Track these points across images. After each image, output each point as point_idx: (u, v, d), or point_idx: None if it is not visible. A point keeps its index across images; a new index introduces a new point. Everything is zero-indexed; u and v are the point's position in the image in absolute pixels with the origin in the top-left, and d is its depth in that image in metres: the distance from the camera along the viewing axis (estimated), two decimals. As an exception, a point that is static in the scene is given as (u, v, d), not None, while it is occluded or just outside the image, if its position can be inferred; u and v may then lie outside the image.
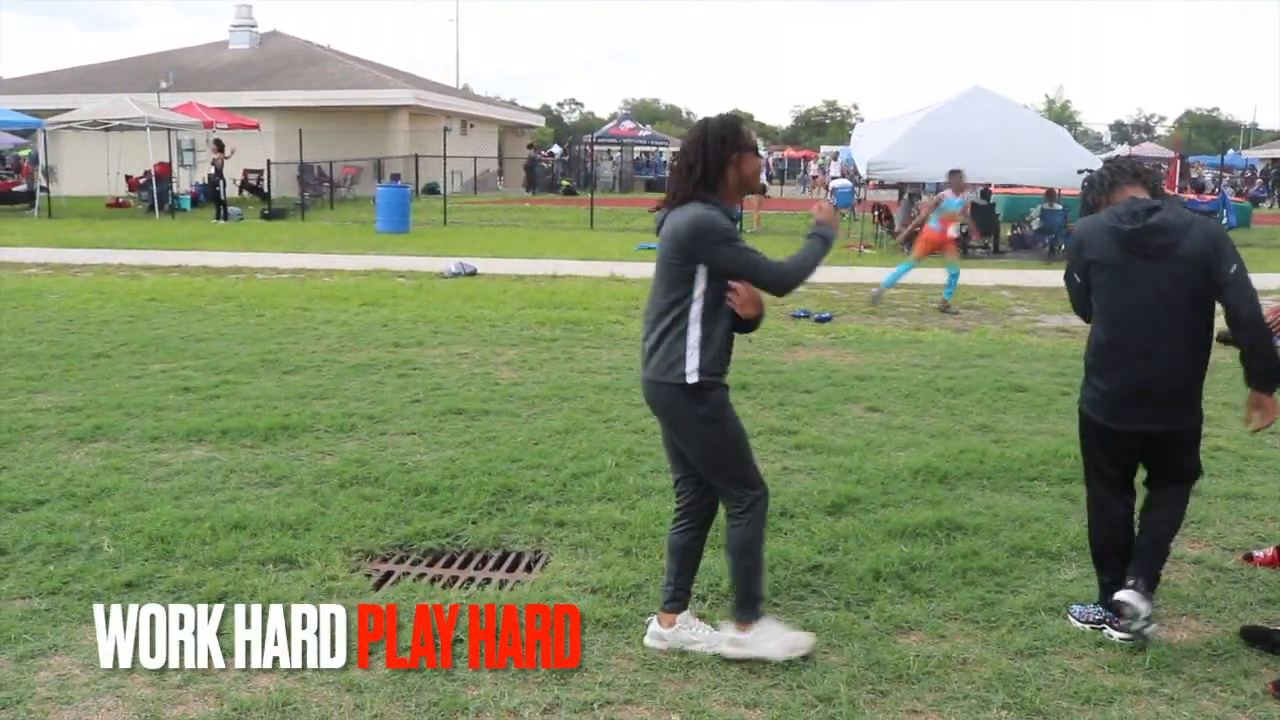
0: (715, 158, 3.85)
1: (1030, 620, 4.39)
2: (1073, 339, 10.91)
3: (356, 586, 4.59)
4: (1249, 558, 5.16)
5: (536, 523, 5.39)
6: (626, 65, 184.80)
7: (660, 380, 3.88)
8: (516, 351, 9.81)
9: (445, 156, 30.11)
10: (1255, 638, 4.25)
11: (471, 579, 4.78)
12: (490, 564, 4.98)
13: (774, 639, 4.02)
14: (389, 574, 4.82)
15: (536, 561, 4.98)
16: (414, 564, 4.96)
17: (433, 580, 4.74)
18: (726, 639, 4.04)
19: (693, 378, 3.82)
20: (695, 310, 3.82)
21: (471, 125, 46.17)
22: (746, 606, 4.04)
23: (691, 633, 4.09)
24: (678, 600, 4.13)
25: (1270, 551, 5.14)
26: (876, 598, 4.56)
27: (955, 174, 13.08)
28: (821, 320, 11.77)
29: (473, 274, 15.50)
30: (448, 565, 4.96)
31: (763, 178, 26.97)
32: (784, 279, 3.88)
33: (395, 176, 32.82)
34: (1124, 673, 4.00)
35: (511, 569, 4.92)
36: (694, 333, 3.82)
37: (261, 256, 17.62)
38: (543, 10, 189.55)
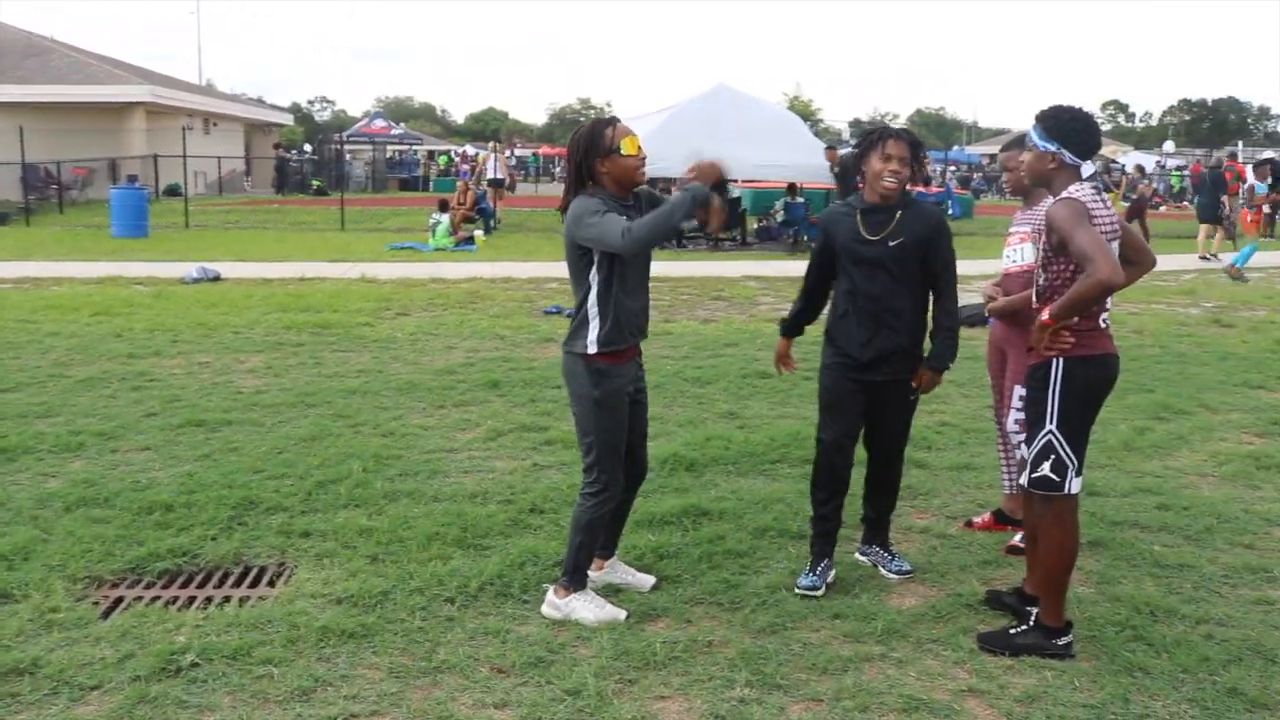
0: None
1: (772, 599, 4.55)
2: (814, 325, 11.36)
3: (82, 617, 4.29)
4: (969, 524, 5.53)
5: (280, 534, 5.20)
6: (380, 62, 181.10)
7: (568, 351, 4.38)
8: (261, 358, 9.45)
9: (186, 156, 28.67)
10: (992, 600, 4.58)
11: (210, 598, 4.57)
12: (231, 581, 4.77)
13: (588, 607, 4.34)
14: (119, 600, 4.54)
15: (280, 575, 4.81)
16: (147, 587, 4.69)
17: (168, 603, 4.50)
18: (546, 601, 4.40)
19: (591, 349, 4.27)
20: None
21: (215, 124, 44.11)
22: (569, 575, 4.39)
23: (618, 576, 4.69)
24: (605, 548, 4.67)
25: (987, 516, 5.53)
26: (623, 587, 4.63)
27: (1262, 165, 16.80)
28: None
29: (216, 279, 14.82)
30: (185, 585, 4.72)
31: (497, 172, 26.74)
32: (632, 239, 4.07)
33: (132, 178, 30.86)
34: (858, 641, 4.21)
35: (254, 584, 4.73)
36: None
37: (-21, 266, 16.30)
38: (292, 5, 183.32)
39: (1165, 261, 15.13)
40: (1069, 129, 4.02)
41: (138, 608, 4.41)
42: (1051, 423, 4.01)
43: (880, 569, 4.90)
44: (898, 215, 4.55)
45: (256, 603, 4.48)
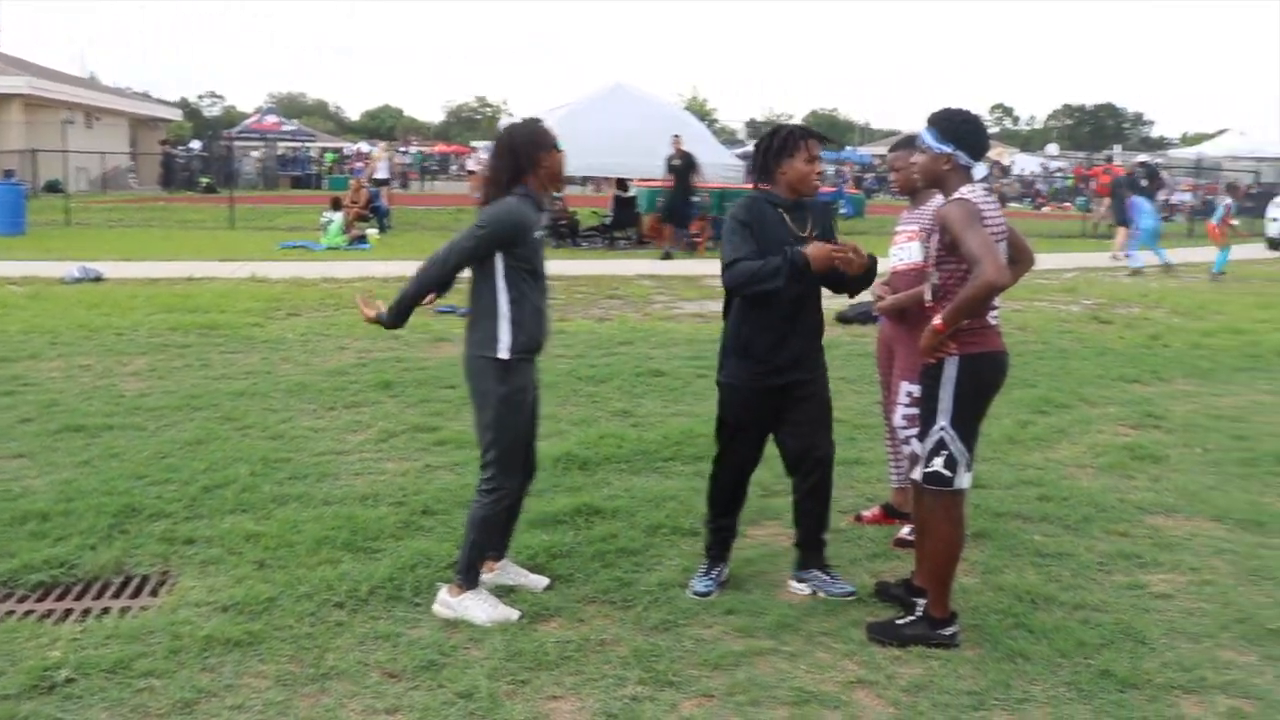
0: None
1: (664, 596, 4.57)
2: (707, 324, 11.50)
3: (-54, 635, 4.12)
4: (859, 518, 5.62)
5: (163, 542, 5.06)
6: (272, 57, 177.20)
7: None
8: (145, 360, 9.18)
9: (67, 151, 27.79)
10: (881, 592, 4.65)
11: (88, 610, 4.42)
12: (110, 592, 4.63)
13: (481, 606, 4.32)
14: (-11, 615, 4.37)
15: (163, 584, 4.68)
16: (20, 601, 4.51)
17: (42, 617, 4.34)
18: (438, 600, 4.38)
19: (504, 354, 4.30)
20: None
21: (98, 118, 42.78)
22: (463, 573, 4.36)
23: (510, 577, 4.65)
24: (495, 550, 4.62)
25: (876, 510, 5.63)
26: (517, 588, 4.61)
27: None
28: (467, 315, 11.75)
29: (98, 279, 14.34)
30: (61, 598, 4.55)
31: (386, 172, 26.29)
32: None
33: (8, 173, 29.77)
34: (750, 636, 4.25)
35: (135, 594, 4.59)
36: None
37: None
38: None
39: (1048, 260, 15.61)
40: (963, 131, 4.12)
41: (9, 623, 4.25)
42: (944, 419, 4.10)
43: (821, 594, 4.65)
44: (808, 211, 4.53)
45: (138, 613, 4.36)
